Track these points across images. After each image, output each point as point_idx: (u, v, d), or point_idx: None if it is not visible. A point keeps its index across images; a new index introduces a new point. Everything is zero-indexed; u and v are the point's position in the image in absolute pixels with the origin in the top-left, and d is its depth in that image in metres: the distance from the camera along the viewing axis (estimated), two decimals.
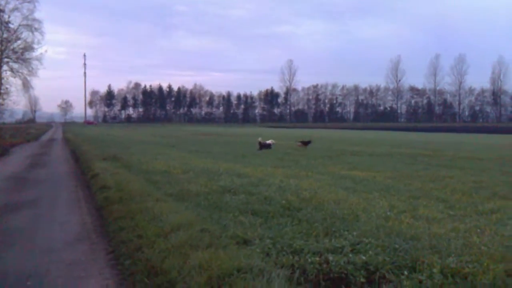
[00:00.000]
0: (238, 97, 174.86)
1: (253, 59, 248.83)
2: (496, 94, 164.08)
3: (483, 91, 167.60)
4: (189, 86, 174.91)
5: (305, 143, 26.59)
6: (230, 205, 8.07)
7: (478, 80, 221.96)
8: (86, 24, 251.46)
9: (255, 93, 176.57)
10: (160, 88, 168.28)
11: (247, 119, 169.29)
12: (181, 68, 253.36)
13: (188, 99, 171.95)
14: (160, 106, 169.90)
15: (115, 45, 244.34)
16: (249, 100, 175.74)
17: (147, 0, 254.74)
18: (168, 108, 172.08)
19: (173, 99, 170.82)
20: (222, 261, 4.89)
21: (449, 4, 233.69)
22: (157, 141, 35.98)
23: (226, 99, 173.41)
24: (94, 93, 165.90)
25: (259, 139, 26.68)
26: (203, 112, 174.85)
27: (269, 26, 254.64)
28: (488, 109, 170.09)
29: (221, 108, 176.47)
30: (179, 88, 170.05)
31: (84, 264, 6.12)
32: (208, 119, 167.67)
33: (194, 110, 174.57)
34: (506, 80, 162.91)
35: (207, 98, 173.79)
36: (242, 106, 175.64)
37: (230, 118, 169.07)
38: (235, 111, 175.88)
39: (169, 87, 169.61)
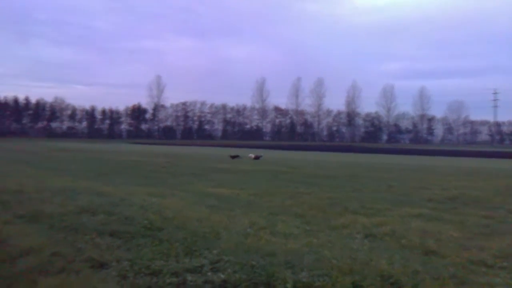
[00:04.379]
0: (103, 112, 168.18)
1: (119, 73, 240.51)
2: (351, 116, 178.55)
3: (339, 113, 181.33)
4: (49, 98, 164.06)
5: (257, 157, 33.44)
6: (88, 226, 7.66)
7: (335, 102, 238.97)
8: None
9: (121, 108, 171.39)
10: (15, 100, 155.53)
11: (112, 135, 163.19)
12: (40, 79, 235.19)
13: (48, 113, 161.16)
14: (15, 119, 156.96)
15: None
16: (115, 115, 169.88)
17: (2, 5, 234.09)
18: (24, 121, 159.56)
19: (30, 112, 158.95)
20: (74, 286, 4.63)
21: (308, 30, 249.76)
22: (10, 157, 33.08)
23: (90, 114, 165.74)
24: None
25: (251, 155, 34.58)
26: (64, 127, 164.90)
27: (135, 40, 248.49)
28: (344, 129, 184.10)
29: (84, 123, 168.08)
30: (37, 101, 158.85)
31: None
32: (70, 134, 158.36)
33: (55, 125, 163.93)
34: (359, 103, 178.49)
35: (69, 112, 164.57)
36: (108, 121, 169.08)
37: (94, 133, 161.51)
38: (100, 126, 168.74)
39: (26, 99, 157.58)
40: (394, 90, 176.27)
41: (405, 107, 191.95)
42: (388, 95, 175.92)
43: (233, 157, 32.92)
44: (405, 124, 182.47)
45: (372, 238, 7.59)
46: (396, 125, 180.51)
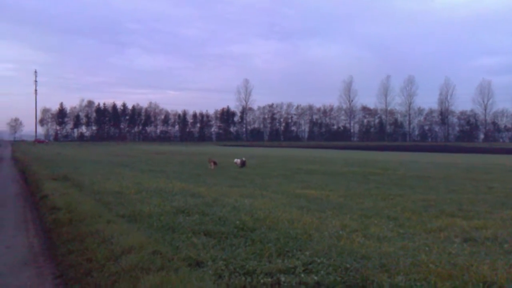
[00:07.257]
0: (194, 115, 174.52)
1: (208, 78, 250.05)
2: (444, 115, 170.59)
3: (431, 111, 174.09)
4: (144, 104, 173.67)
5: (243, 163, 27.11)
6: (184, 226, 7.96)
7: (427, 100, 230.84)
8: (37, 40, 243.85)
9: (211, 111, 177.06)
10: (114, 106, 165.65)
11: (203, 137, 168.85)
12: (135, 86, 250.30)
13: (143, 118, 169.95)
14: (114, 124, 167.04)
15: (67, 62, 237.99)
16: (205, 118, 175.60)
17: (98, 17, 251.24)
18: (122, 126, 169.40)
19: (127, 117, 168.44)
20: (174, 284, 4.82)
21: (397, 27, 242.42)
22: (110, 160, 35.22)
23: (182, 118, 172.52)
24: (45, 111, 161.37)
25: (242, 159, 28.16)
26: (158, 131, 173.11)
27: (222, 46, 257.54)
28: (437, 128, 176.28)
29: (176, 127, 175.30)
30: (133, 107, 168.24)
31: None
32: (164, 138, 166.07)
33: (149, 129, 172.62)
34: (452, 101, 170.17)
35: (163, 117, 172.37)
36: (198, 125, 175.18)
37: (186, 136, 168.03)
38: (191, 129, 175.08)
39: (124, 105, 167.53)
40: (492, 86, 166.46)
41: (504, 103, 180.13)
42: (485, 91, 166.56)
43: (214, 162, 26.76)
44: (504, 121, 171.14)
45: (472, 242, 7.21)
46: (494, 123, 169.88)
